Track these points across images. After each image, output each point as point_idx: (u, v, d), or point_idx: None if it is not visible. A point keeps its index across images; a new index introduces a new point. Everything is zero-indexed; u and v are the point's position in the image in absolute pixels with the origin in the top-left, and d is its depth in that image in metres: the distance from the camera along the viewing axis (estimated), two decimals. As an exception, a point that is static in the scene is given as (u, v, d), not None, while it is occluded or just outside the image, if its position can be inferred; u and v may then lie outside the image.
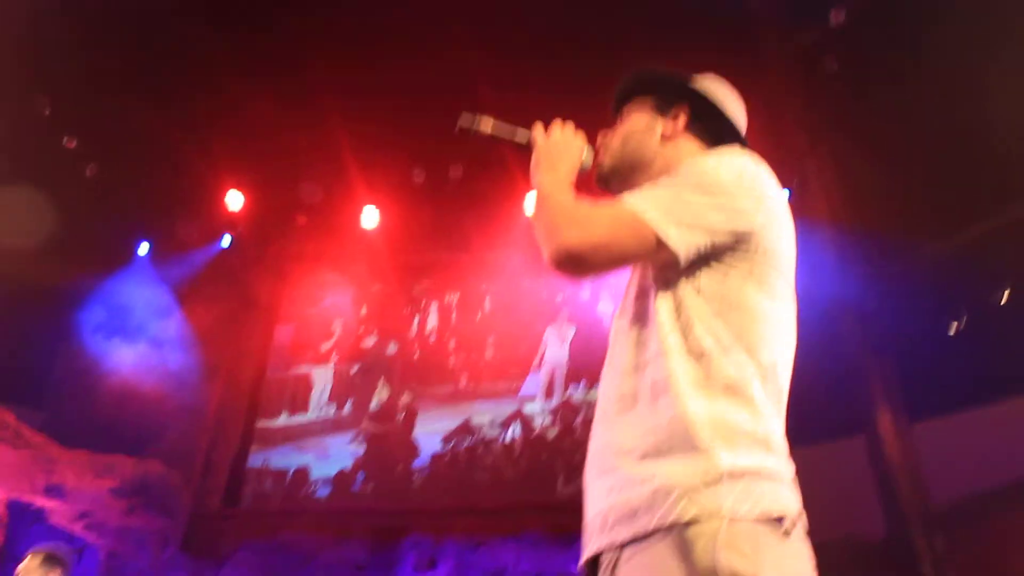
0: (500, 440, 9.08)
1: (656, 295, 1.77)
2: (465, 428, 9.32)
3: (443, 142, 8.74)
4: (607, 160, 2.09)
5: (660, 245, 1.69)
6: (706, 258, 1.73)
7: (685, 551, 1.48)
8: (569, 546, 7.93)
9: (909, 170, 7.31)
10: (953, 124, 6.92)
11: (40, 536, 7.42)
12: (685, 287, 1.74)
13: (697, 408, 1.61)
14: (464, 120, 2.05)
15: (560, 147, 1.99)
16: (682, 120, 2.04)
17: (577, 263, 1.73)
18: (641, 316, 1.80)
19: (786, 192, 8.07)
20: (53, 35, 7.63)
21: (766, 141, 7.34)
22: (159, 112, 8.60)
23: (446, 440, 9.29)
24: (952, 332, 7.75)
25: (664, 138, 2.03)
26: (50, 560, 4.70)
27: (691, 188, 1.74)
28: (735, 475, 1.54)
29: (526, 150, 2.05)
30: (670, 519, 1.52)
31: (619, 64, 2.20)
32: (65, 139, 9.00)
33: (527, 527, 8.28)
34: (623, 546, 1.62)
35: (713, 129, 2.04)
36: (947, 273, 7.70)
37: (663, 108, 2.07)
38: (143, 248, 10.16)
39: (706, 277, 1.73)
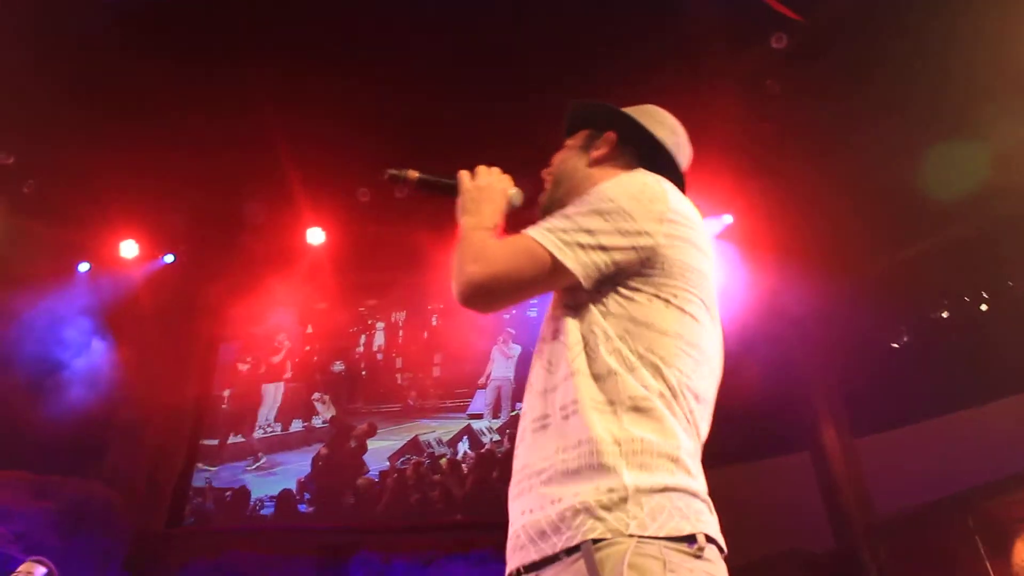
0: (448, 457, 9.03)
1: (565, 318, 1.80)
2: (413, 446, 9.25)
3: (389, 159, 8.71)
4: (547, 193, 2.17)
5: (560, 269, 1.74)
6: (612, 279, 1.77)
7: (593, 573, 1.45)
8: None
9: (852, 190, 7.44)
10: (896, 144, 7.06)
11: None
12: (593, 309, 1.76)
13: (603, 428, 1.60)
14: (391, 173, 2.14)
15: (484, 190, 2.04)
16: (607, 145, 2.12)
17: (482, 295, 1.77)
18: (552, 339, 1.83)
19: (728, 216, 8.24)
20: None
21: (709, 163, 7.47)
22: (99, 130, 8.40)
23: (394, 458, 9.23)
24: (895, 347, 7.90)
25: (594, 162, 2.12)
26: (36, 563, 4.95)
27: (589, 211, 1.79)
28: (642, 493, 1.52)
29: (453, 196, 2.11)
30: (576, 540, 1.50)
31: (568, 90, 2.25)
32: (1, 155, 8.77)
33: (476, 545, 8.23)
34: (533, 567, 1.62)
35: (645, 153, 2.10)
36: (888, 291, 7.86)
37: (594, 136, 2.17)
38: (83, 266, 9.97)
39: (613, 298, 1.76)
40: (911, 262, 7.68)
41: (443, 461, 9.01)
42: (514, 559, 1.68)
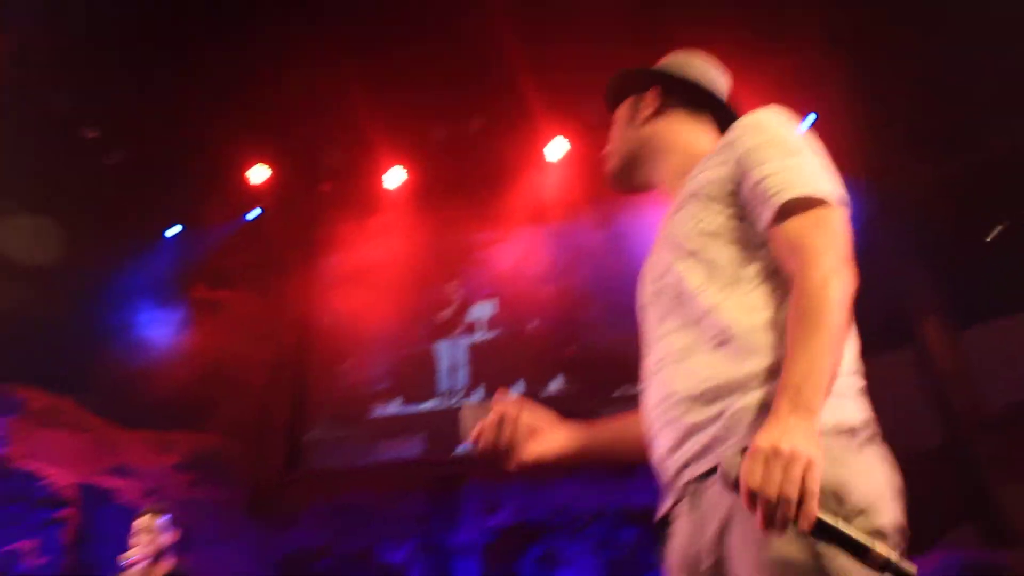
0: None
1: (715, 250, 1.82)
2: None
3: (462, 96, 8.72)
4: (611, 166, 2.23)
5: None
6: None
7: None
8: (629, 479, 7.97)
9: (939, 84, 7.20)
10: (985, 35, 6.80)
11: (112, 515, 7.69)
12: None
13: (758, 335, 1.68)
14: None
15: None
16: (655, 99, 2.17)
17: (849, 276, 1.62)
18: (697, 270, 1.83)
19: (812, 115, 8.03)
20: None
21: (786, 61, 7.30)
22: (176, 90, 8.55)
23: None
24: (994, 237, 7.68)
25: (646, 120, 2.16)
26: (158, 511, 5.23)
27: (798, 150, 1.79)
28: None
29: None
30: (747, 443, 1.49)
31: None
32: (85, 130, 8.95)
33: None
34: (702, 478, 1.68)
35: (690, 98, 2.16)
36: (988, 179, 7.60)
37: (638, 100, 2.21)
38: (174, 229, 10.26)
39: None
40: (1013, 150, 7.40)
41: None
42: (678, 482, 1.75)
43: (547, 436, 1.95)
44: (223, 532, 8.67)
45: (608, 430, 2.04)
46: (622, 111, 2.24)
